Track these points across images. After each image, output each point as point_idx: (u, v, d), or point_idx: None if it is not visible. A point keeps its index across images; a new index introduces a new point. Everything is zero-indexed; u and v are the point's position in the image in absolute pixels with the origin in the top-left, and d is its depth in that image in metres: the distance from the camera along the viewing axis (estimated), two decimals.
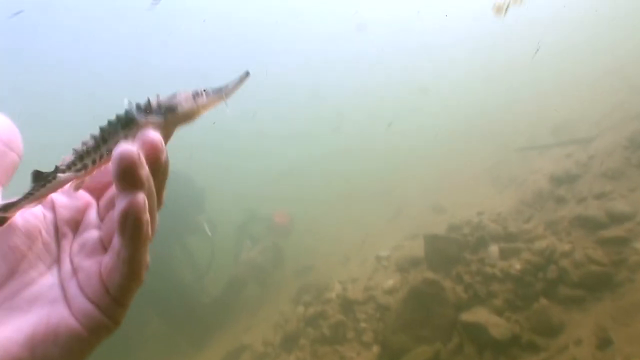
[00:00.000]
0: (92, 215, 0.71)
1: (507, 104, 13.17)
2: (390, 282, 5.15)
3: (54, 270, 0.64)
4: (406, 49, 18.23)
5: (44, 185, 1.23)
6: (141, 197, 0.56)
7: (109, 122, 1.26)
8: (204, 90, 1.21)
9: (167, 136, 1.28)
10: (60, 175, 1.21)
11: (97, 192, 0.74)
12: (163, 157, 0.65)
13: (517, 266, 4.26)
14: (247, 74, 1.17)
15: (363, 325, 4.89)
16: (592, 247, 3.94)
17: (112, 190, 0.73)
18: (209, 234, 6.82)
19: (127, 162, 0.55)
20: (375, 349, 4.55)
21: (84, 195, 0.74)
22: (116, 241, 0.58)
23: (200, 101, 1.23)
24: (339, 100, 16.46)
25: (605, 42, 12.10)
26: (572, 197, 5.09)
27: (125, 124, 1.21)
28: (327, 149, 13.46)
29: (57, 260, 0.66)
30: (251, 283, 7.53)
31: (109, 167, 0.78)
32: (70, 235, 0.69)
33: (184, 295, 6.85)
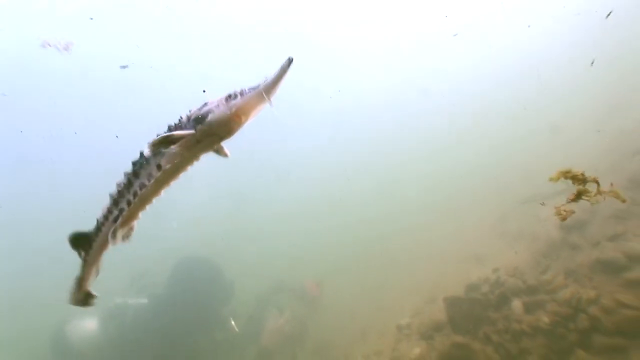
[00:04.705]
0: None
1: (500, 156, 13.41)
2: (416, 351, 4.92)
3: None
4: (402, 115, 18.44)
5: (91, 247, 1.11)
6: None
7: (141, 154, 1.18)
8: (240, 91, 1.10)
9: (205, 146, 1.16)
10: (102, 228, 1.09)
11: None
12: None
13: (545, 319, 4.13)
14: (289, 61, 1.04)
15: None
16: (619, 290, 3.86)
17: None
18: (236, 330, 6.61)
19: None
20: None
21: None
22: None
23: (234, 103, 1.11)
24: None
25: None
26: (586, 242, 5.06)
27: (156, 151, 1.04)
28: (341, 220, 13.38)
29: None
30: (279, 354, 7.14)
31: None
32: None
33: None
